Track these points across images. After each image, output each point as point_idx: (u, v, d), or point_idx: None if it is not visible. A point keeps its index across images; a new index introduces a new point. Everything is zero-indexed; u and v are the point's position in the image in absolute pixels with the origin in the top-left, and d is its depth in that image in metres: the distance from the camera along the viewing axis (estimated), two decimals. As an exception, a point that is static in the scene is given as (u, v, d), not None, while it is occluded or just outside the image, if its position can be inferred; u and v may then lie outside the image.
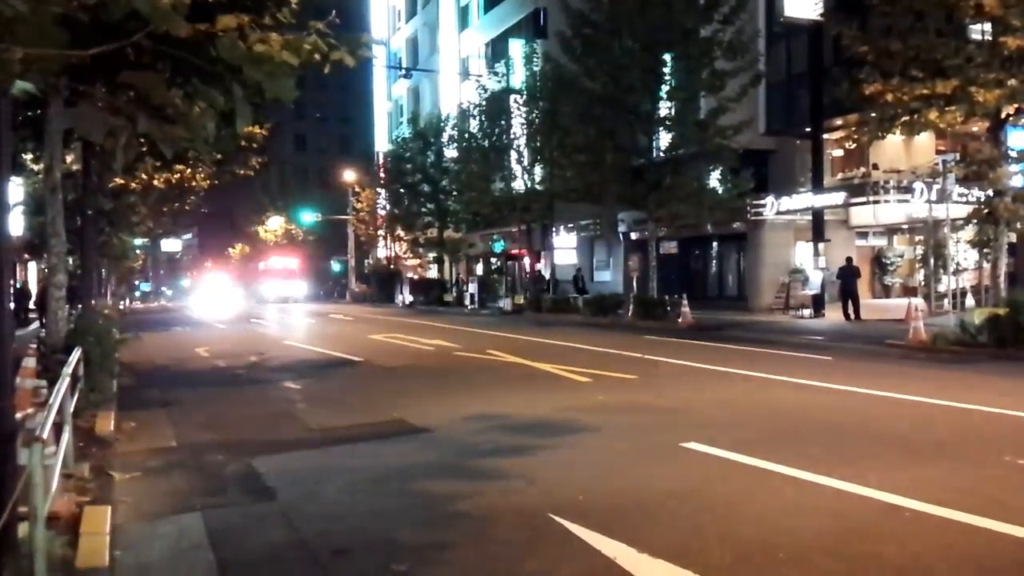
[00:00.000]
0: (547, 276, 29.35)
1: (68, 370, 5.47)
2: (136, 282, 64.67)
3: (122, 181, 16.42)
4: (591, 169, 21.57)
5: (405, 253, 43.95)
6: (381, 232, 45.27)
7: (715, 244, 25.68)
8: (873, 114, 13.63)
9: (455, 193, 34.15)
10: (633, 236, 26.69)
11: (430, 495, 4.68)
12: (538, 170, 26.81)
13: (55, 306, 8.21)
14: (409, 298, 36.24)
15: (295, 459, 5.79)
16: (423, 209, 37.05)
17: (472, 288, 32.01)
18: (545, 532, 3.90)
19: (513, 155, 27.52)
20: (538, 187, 26.71)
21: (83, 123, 2.31)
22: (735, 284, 24.77)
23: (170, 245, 68.73)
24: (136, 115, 2.25)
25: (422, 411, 7.42)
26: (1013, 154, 13.17)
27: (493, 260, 36.94)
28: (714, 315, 19.72)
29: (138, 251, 45.95)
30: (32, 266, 26.01)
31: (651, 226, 21.32)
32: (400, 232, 41.32)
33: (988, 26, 12.49)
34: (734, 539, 3.75)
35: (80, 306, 12.07)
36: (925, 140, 21.02)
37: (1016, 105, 12.55)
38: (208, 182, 18.93)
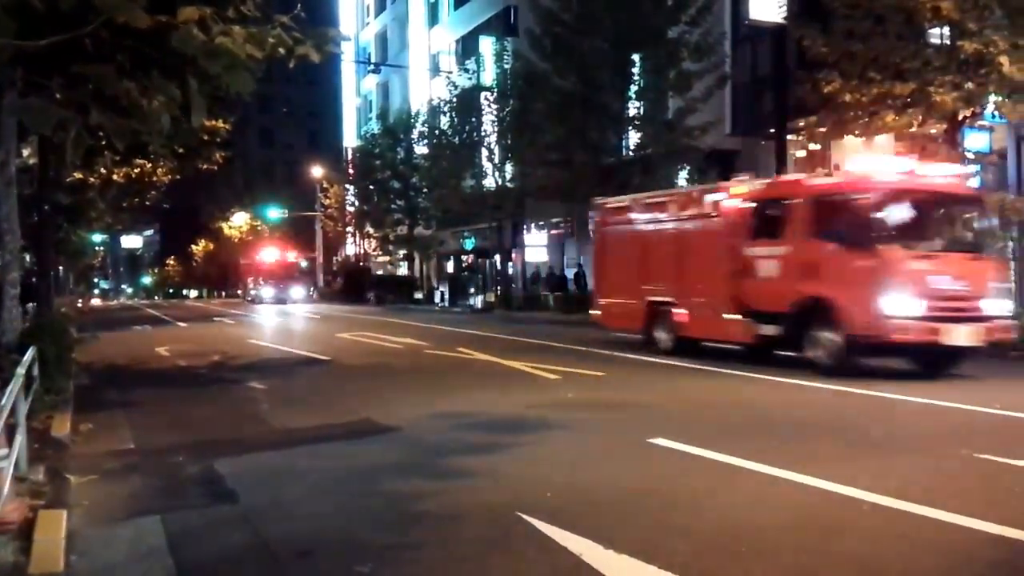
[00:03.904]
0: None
1: (22, 370, 5.28)
2: (95, 279, 62.80)
3: (80, 175, 15.95)
4: (561, 167, 21.65)
5: (375, 250, 43.57)
6: (350, 229, 44.81)
7: (683, 243, 25.85)
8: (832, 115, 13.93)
9: (425, 190, 33.97)
10: (603, 234, 26.78)
11: (396, 495, 4.64)
12: (509, 167, 26.79)
13: (9, 304, 7.94)
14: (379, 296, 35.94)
15: (259, 460, 5.70)
16: (393, 206, 36.78)
17: (442, 286, 31.84)
18: (512, 530, 3.90)
19: (484, 152, 27.47)
20: (509, 184, 26.70)
21: (31, 115, 2.23)
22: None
23: (131, 241, 67.13)
24: (89, 107, 2.18)
25: (390, 410, 7.36)
26: (970, 156, 13.56)
27: (464, 257, 36.88)
28: (682, 313, 19.90)
29: (97, 247, 44.72)
30: None
31: (620, 224, 21.45)
32: (369, 229, 40.95)
33: (947, 30, 12.84)
34: (697, 533, 3.81)
35: (35, 304, 11.71)
36: (886, 142, 21.53)
37: (973, 108, 12.92)
38: (169, 177, 18.46)
